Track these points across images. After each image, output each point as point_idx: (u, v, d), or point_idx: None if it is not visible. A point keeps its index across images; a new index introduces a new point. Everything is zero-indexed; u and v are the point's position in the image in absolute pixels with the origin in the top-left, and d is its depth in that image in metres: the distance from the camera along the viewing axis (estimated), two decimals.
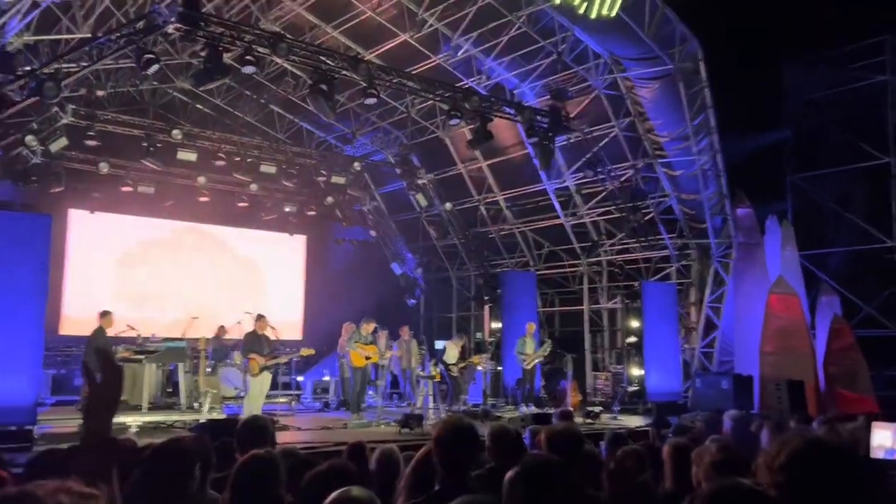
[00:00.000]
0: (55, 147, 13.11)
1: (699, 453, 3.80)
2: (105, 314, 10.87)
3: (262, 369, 10.45)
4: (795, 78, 16.71)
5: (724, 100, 13.79)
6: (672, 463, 3.96)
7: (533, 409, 12.78)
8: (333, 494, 2.38)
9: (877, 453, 2.20)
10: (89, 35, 12.00)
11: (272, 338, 10.92)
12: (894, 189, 15.56)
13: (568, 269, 17.28)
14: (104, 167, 14.22)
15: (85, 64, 10.89)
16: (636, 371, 14.57)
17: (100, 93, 14.60)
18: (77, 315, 14.09)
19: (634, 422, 12.00)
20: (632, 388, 14.56)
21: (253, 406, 10.32)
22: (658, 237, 15.33)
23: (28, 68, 11.02)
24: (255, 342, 10.65)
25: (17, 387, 8.43)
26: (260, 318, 10.92)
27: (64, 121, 13.22)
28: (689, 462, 3.73)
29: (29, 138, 12.85)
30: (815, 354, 14.05)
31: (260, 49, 10.87)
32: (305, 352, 11.33)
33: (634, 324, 15.07)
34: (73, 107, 13.41)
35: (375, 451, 4.52)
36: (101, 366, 1.90)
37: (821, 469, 1.79)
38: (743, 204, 15.05)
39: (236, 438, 4.19)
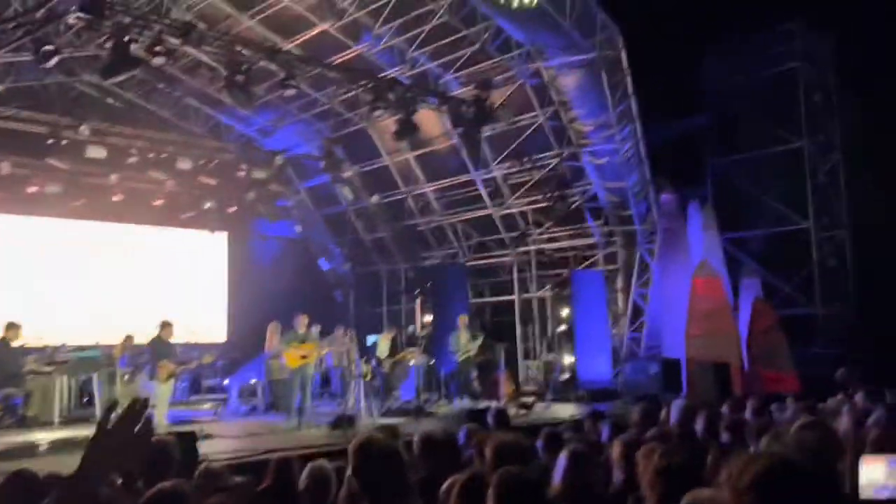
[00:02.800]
0: None
1: (645, 453, 3.68)
2: (11, 326, 10.19)
3: (170, 376, 10.06)
4: (714, 65, 17.06)
5: (645, 87, 13.93)
6: (623, 463, 3.85)
7: (468, 403, 12.67)
8: None
9: (866, 492, 2.07)
10: None
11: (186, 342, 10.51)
12: (809, 172, 16.09)
13: (497, 259, 17.24)
14: (5, 167, 13.37)
15: None
16: (568, 359, 14.64)
17: None
18: None
19: (568, 410, 12.01)
20: (564, 377, 14.63)
21: (161, 413, 9.93)
22: (585, 225, 15.42)
23: None
24: (162, 348, 10.27)
25: None
26: (166, 324, 10.51)
27: None
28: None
29: None
30: (739, 336, 14.37)
31: (171, 39, 10.33)
32: (206, 359, 10.94)
33: (564, 312, 15.15)
34: None
35: (305, 470, 4.22)
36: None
37: (788, 493, 1.65)
38: (666, 190, 15.28)
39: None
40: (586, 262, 15.81)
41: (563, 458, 3.81)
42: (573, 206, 14.91)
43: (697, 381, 12.68)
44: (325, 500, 3.88)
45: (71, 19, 9.76)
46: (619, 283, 15.40)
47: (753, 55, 16.28)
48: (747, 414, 5.98)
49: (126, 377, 11.57)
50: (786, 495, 1.66)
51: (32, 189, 14.04)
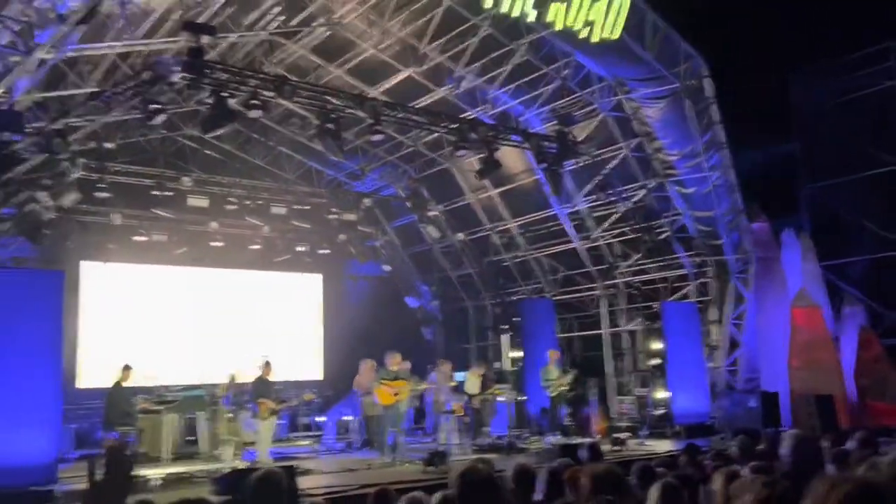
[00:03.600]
0: (67, 201, 13.14)
1: (741, 487, 3.65)
2: (125, 368, 10.84)
3: (272, 413, 10.44)
4: (803, 89, 16.62)
5: (733, 115, 13.73)
6: (724, 494, 3.82)
7: (560, 439, 12.55)
8: None
9: None
10: (96, 89, 12.11)
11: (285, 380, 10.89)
12: None
13: (585, 293, 17.12)
14: (117, 218, 14.28)
15: (93, 118, 10.97)
16: (661, 393, 14.33)
17: (108, 145, 14.68)
18: (95, 367, 14.00)
19: (663, 446, 11.75)
20: (658, 411, 14.31)
21: (264, 450, 10.29)
22: (674, 256, 15.17)
23: (37, 125, 11.10)
24: (263, 387, 10.69)
25: (36, 445, 8.36)
26: (267, 364, 10.94)
27: (75, 175, 13.26)
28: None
29: (41, 194, 12.88)
30: (841, 366, 13.78)
31: (265, 93, 10.91)
32: (307, 397, 11.26)
33: (656, 345, 14.85)
34: (84, 160, 13.46)
35: (401, 500, 4.36)
36: (106, 462, 1.83)
37: None
38: (758, 218, 14.90)
39: (249, 496, 3.95)
40: (677, 294, 15.52)
41: (654, 491, 3.79)
42: (661, 236, 14.71)
43: (801, 414, 12.21)
44: None
45: (175, 79, 10.43)
46: (712, 314, 15.03)
47: (845, 76, 15.79)
48: (852, 445, 5.75)
49: (229, 415, 12.05)
50: None
51: (139, 238, 14.90)
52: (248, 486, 4.00)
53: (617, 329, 16.64)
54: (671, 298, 15.38)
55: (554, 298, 16.90)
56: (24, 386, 8.42)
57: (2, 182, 10.48)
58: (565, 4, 11.78)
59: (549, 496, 4.56)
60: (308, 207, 15.98)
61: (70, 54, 11.53)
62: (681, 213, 14.59)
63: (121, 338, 14.91)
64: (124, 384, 10.75)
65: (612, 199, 14.55)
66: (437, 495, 3.73)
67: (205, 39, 10.03)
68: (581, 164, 14.46)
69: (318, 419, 15.04)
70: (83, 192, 13.31)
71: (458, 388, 13.55)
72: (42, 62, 10.78)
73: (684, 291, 15.46)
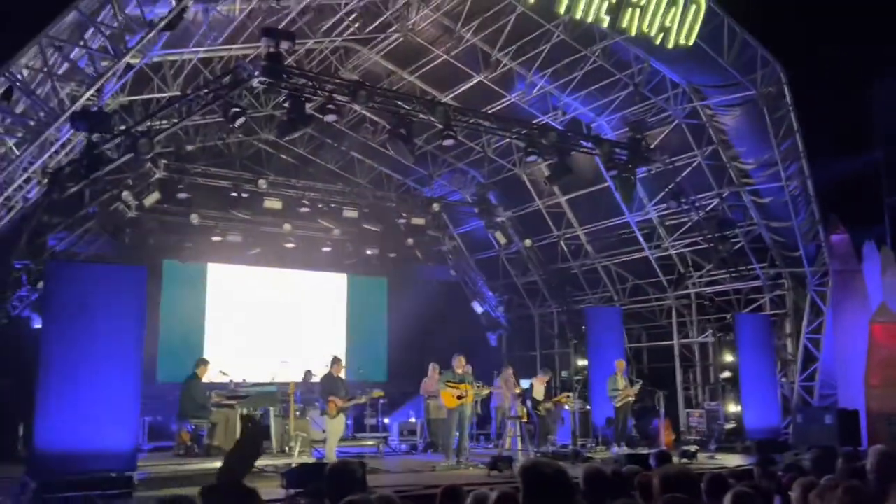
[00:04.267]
0: (149, 201, 13.72)
1: (820, 494, 3.56)
2: (201, 362, 11.18)
3: (340, 411, 10.58)
4: (886, 96, 16.02)
5: (812, 123, 13.33)
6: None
7: (625, 450, 12.38)
8: None
9: None
10: (179, 93, 12.58)
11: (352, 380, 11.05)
12: None
13: (655, 304, 16.84)
14: (195, 218, 14.77)
15: (175, 120, 11.38)
16: (732, 407, 13.98)
17: (189, 147, 15.23)
18: (172, 363, 14.49)
19: (733, 461, 11.46)
20: (728, 426, 13.97)
21: (331, 447, 10.44)
22: (749, 267, 14.79)
23: (123, 127, 11.59)
24: (332, 384, 10.83)
25: (118, 434, 8.71)
26: (336, 361, 11.09)
27: (157, 176, 13.84)
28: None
29: (125, 194, 13.48)
30: None
31: (340, 98, 11.15)
32: (376, 394, 11.36)
33: (728, 358, 14.51)
34: (165, 161, 14.02)
35: (469, 497, 4.41)
36: (243, 426, 1.98)
37: None
38: (837, 230, 14.40)
39: (326, 484, 4.16)
40: (751, 306, 15.13)
41: (727, 499, 3.72)
42: (735, 247, 14.36)
43: (881, 434, 11.73)
44: None
45: (254, 83, 10.76)
46: (788, 327, 14.59)
47: None
48: None
49: (298, 412, 12.30)
50: None
51: (216, 238, 15.37)
52: (324, 475, 4.13)
53: (687, 340, 16.31)
54: (745, 310, 15.00)
55: (622, 308, 16.68)
56: (108, 377, 8.77)
57: (90, 181, 10.97)
58: (639, 10, 11.67)
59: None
60: (378, 211, 16.18)
61: (155, 59, 12.04)
62: (756, 224, 14.23)
63: (198, 334, 15.42)
64: (201, 378, 11.08)
65: (685, 207, 14.26)
66: (497, 491, 3.75)
67: (283, 45, 10.31)
68: (653, 172, 14.27)
69: (383, 421, 15.20)
70: (164, 192, 13.88)
71: (524, 395, 13.50)
72: (129, 67, 11.28)
73: (758, 303, 15.06)
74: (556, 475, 2.98)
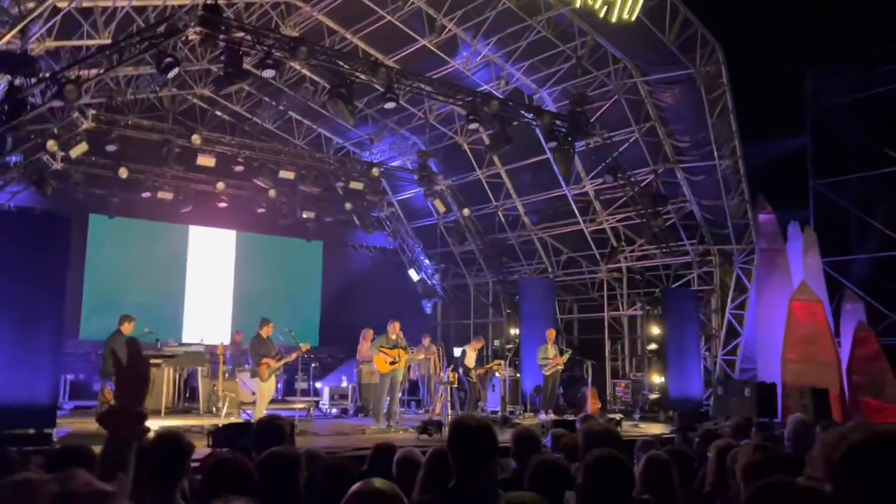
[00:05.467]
0: (75, 152, 13.16)
1: (732, 455, 3.70)
2: (125, 318, 10.85)
3: (272, 373, 10.48)
4: (817, 84, 16.54)
5: (746, 105, 13.66)
6: (717, 464, 3.86)
7: (552, 416, 12.63)
8: (355, 486, 2.30)
9: None
10: (110, 41, 12.05)
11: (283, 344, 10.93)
12: None
13: (587, 276, 17.14)
14: (123, 172, 14.26)
15: (105, 68, 10.91)
16: (657, 378, 14.40)
17: (120, 99, 14.66)
18: (96, 320, 14.07)
19: (656, 429, 11.82)
20: (653, 396, 14.39)
21: (261, 409, 10.33)
22: (679, 243, 15.17)
23: (49, 73, 11.05)
24: (263, 346, 10.69)
25: (36, 389, 8.43)
26: (265, 322, 10.91)
27: (84, 126, 13.28)
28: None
29: (50, 143, 12.90)
30: (840, 362, 13.81)
31: (279, 53, 10.86)
32: (304, 347, 11.19)
33: (655, 331, 14.92)
34: (94, 112, 13.46)
35: (396, 454, 4.44)
36: (127, 351, 1.93)
37: (886, 463, 1.65)
38: (765, 210, 14.88)
39: (253, 438, 4.14)
40: (679, 281, 15.55)
41: (641, 462, 3.83)
42: (667, 223, 14.69)
43: (794, 407, 12.25)
44: (414, 481, 4.06)
45: (190, 34, 10.39)
46: (714, 303, 15.07)
47: (860, 73, 15.69)
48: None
49: (227, 373, 12.12)
50: (883, 466, 1.66)
51: (146, 194, 14.89)
52: (253, 432, 4.09)
53: (617, 313, 16.68)
54: (673, 285, 15.41)
55: (556, 279, 16.93)
56: (26, 331, 8.46)
57: (11, 127, 10.46)
58: None
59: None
60: (315, 174, 15.91)
61: (85, 4, 11.50)
62: (688, 200, 14.57)
63: (124, 292, 14.96)
64: (125, 335, 10.77)
65: (621, 182, 14.49)
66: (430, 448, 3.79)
67: None
68: (591, 146, 14.42)
69: (314, 385, 15.12)
70: (92, 144, 13.34)
71: (456, 361, 13.62)
72: (55, 9, 10.75)
73: (687, 279, 15.48)
74: (481, 428, 3.01)
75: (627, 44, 13.09)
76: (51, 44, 12.06)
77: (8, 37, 9.53)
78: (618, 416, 12.41)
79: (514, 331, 16.69)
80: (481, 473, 2.93)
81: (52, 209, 13.37)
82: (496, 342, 18.03)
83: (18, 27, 9.52)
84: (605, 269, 16.59)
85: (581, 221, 16.31)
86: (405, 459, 4.30)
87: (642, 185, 14.69)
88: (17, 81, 9.69)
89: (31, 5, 9.87)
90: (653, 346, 14.84)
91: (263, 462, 3.12)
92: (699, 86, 13.05)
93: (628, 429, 11.86)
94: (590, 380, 13.94)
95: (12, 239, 8.63)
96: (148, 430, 1.95)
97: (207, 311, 15.02)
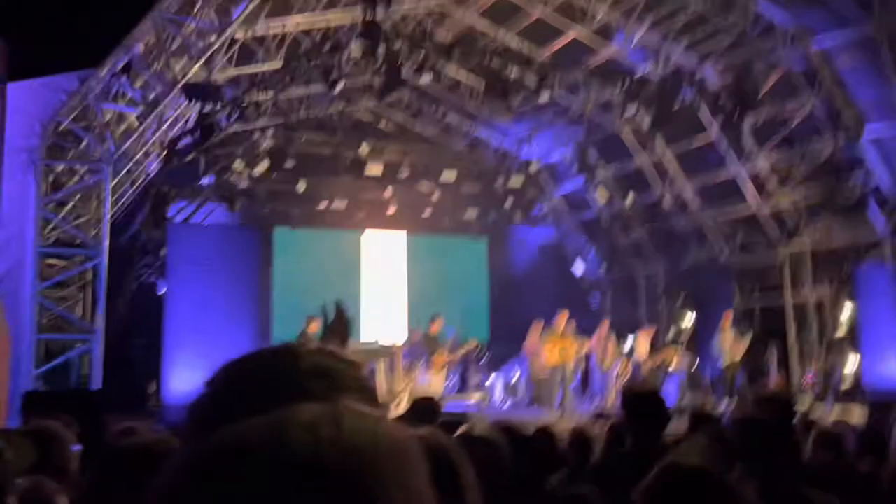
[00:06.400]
0: (258, 170, 14.36)
1: None
2: (311, 319, 11.69)
3: (443, 366, 10.85)
4: None
5: None
6: None
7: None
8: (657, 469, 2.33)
9: None
10: (282, 64, 13.03)
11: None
12: None
13: (766, 258, 16.23)
14: (301, 186, 15.33)
15: (279, 89, 11.83)
16: (850, 362, 13.40)
17: (294, 117, 15.77)
18: (285, 322, 15.18)
19: (850, 416, 11.02)
20: (845, 382, 13.41)
21: None
22: (866, 217, 14.01)
23: (231, 98, 12.15)
24: (432, 343, 11.10)
25: None
26: (435, 318, 11.32)
27: (265, 145, 14.44)
28: None
29: (236, 163, 14.16)
30: None
31: (435, 59, 11.28)
32: (472, 343, 11.47)
33: (846, 312, 13.88)
34: (272, 132, 14.60)
35: (568, 433, 4.57)
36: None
37: None
38: None
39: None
40: (870, 257, 14.36)
41: (813, 437, 3.68)
42: (853, 196, 13.63)
43: None
44: (587, 458, 4.15)
45: (352, 49, 11.04)
46: None
47: None
48: None
49: (405, 369, 12.69)
50: None
51: (323, 205, 15.91)
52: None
53: (801, 295, 15.66)
54: (864, 262, 14.26)
55: (731, 263, 16.16)
56: (227, 333, 9.35)
57: (203, 150, 11.61)
58: None
59: None
60: (476, 173, 16.29)
61: (259, 33, 12.52)
62: (874, 171, 13.43)
63: (307, 296, 16.05)
64: (310, 334, 11.59)
65: (797, 157, 13.62)
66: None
67: (379, 10, 10.52)
68: (762, 121, 13.67)
69: (486, 379, 15.46)
70: (272, 161, 14.49)
71: (627, 352, 13.42)
72: (233, 41, 11.80)
73: (878, 254, 14.27)
74: (651, 394, 3.07)
75: (794, 8, 12.31)
76: (231, 72, 13.26)
77: (195, 68, 10.59)
78: (809, 402, 11.70)
79: (688, 320, 16.14)
80: (653, 435, 2.99)
81: (242, 224, 14.63)
82: (670, 332, 17.49)
83: (203, 59, 10.54)
84: (786, 250, 15.63)
85: (756, 201, 15.48)
86: (578, 436, 4.41)
87: (822, 158, 13.72)
88: (206, 109, 10.73)
89: (212, 39, 10.91)
90: (844, 329, 13.82)
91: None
92: (880, 44, 12.02)
93: (820, 416, 11.14)
94: (773, 367, 13.21)
95: (212, 252, 9.58)
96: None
97: (383, 311, 15.76)
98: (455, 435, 3.42)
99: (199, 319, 9.27)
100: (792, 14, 12.43)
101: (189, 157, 11.56)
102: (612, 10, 13.34)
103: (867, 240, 14.36)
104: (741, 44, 13.13)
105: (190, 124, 12.18)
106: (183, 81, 10.64)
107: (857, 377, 12.95)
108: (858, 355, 12.94)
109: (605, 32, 14.01)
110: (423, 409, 4.61)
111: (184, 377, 9.01)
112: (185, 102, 11.05)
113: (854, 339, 13.14)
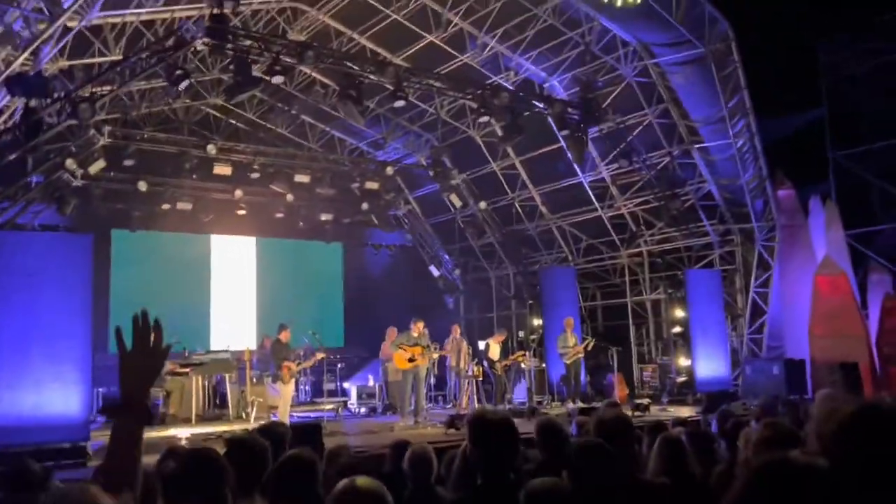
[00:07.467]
0: (94, 169, 13.35)
1: (746, 433, 3.70)
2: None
3: (292, 376, 10.61)
4: (831, 53, 16.27)
5: (759, 81, 13.52)
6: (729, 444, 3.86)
7: (580, 405, 12.62)
8: (340, 484, 2.30)
9: None
10: (121, 57, 12.20)
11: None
12: None
13: (608, 262, 17.08)
14: (143, 186, 14.43)
15: (118, 84, 11.06)
16: (683, 361, 14.33)
17: (134, 113, 14.84)
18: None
19: (685, 412, 11.75)
20: (680, 379, 14.33)
21: (284, 412, 10.46)
22: (699, 224, 15.06)
23: (63, 92, 11.22)
24: (282, 350, 10.81)
25: (69, 404, 8.57)
26: (282, 327, 11.05)
27: (101, 143, 13.46)
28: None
29: (68, 162, 13.10)
30: (868, 335, 13.66)
31: (288, 59, 10.94)
32: (319, 353, 11.30)
33: (679, 313, 14.83)
34: (110, 128, 13.65)
35: (407, 451, 4.47)
36: (133, 332, 1.88)
37: (876, 433, 1.64)
38: (784, 185, 14.73)
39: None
40: (701, 262, 15.44)
41: (658, 444, 3.83)
42: (686, 204, 14.60)
43: (824, 382, 12.15)
44: (428, 478, 4.09)
45: (198, 45, 10.49)
46: (737, 282, 14.95)
47: (875, 39, 15.42)
48: None
49: (254, 379, 12.25)
50: (874, 436, 1.63)
51: (166, 206, 15.04)
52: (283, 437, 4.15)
53: (640, 298, 16.61)
54: (695, 267, 15.31)
55: (577, 267, 16.88)
56: (56, 347, 8.60)
57: (29, 148, 10.63)
58: None
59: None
60: (330, 175, 15.99)
61: (95, 22, 11.65)
62: (705, 181, 14.46)
63: (149, 304, 15.11)
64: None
65: (636, 166, 14.41)
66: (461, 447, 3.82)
67: (227, 5, 10.06)
68: (604, 131, 14.35)
69: (342, 385, 15.24)
70: (109, 160, 13.51)
71: (477, 355, 13.66)
72: (66, 29, 10.89)
73: (709, 259, 15.38)
74: (501, 422, 3.02)
75: (635, 26, 13.01)
76: (63, 63, 12.26)
77: (21, 59, 9.69)
78: (646, 401, 12.37)
79: (537, 321, 16.68)
80: (507, 467, 2.95)
81: (74, 226, 13.57)
82: (520, 334, 18.02)
83: (30, 49, 9.66)
84: (626, 254, 16.52)
85: (599, 208, 16.25)
86: (416, 456, 4.34)
87: (658, 167, 14.60)
88: (33, 103, 9.84)
89: (42, 27, 10.01)
90: (678, 329, 14.76)
91: (280, 466, 3.16)
92: (710, 64, 12.94)
93: (656, 413, 11.82)
94: (615, 366, 13.90)
95: (38, 259, 8.77)
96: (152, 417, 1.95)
97: (233, 318, 15.17)
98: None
99: (23, 330, 8.46)
100: (633, 31, 13.13)
101: (13, 156, 10.53)
102: (465, 17, 13.53)
103: (698, 245, 15.44)
104: (586, 58, 13.69)
105: (16, 119, 11.15)
106: (6, 73, 9.70)
107: (690, 375, 13.83)
108: (691, 354, 13.82)
109: (459, 40, 14.20)
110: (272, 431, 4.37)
111: (4, 395, 8.21)
112: (7, 96, 10.09)
113: (687, 338, 14.03)
